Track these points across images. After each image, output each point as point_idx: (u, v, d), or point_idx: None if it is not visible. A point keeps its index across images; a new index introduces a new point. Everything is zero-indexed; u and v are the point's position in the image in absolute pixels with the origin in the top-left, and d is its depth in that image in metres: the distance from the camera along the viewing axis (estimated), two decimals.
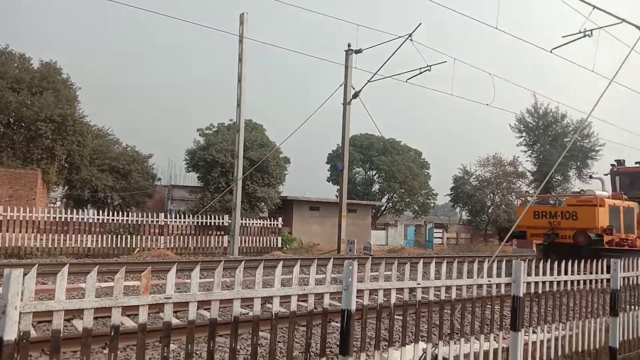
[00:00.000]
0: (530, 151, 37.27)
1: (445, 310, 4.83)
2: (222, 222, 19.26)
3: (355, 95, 22.41)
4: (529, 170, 36.85)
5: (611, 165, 19.06)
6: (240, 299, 3.26)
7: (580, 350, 5.52)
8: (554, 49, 14.01)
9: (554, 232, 14.31)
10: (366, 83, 22.05)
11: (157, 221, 18.15)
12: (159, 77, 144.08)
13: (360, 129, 42.05)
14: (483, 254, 20.38)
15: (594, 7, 11.66)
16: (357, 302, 3.65)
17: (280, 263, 3.53)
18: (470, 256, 18.58)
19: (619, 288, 5.90)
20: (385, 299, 4.06)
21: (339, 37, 24.71)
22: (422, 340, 4.41)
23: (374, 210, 34.88)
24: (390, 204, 38.64)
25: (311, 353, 3.68)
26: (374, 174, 39.25)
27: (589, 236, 13.24)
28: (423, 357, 4.22)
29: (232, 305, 3.25)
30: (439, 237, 30.34)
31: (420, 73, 20.22)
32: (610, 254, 9.23)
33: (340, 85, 22.28)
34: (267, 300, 4.93)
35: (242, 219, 19.36)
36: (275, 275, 3.46)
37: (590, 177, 15.99)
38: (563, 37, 13.70)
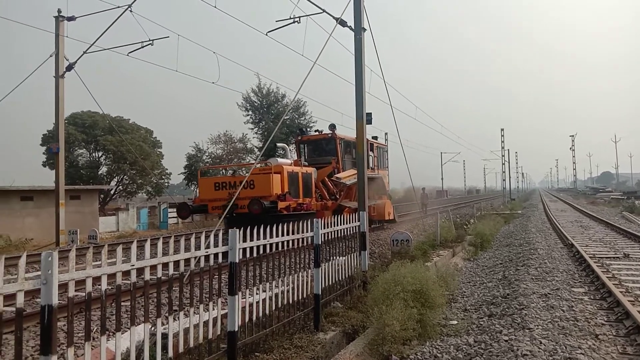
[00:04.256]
0: (257, 128, 39.94)
1: (173, 288, 4.80)
2: None
3: (70, 68, 19.99)
4: (256, 146, 39.53)
5: (296, 134, 21.17)
6: None
7: (292, 301, 6.26)
8: (268, 32, 15.11)
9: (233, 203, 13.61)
10: (82, 54, 19.86)
11: None
12: None
13: (84, 106, 38.06)
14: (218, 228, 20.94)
15: None
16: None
17: None
18: (203, 231, 18.95)
19: (320, 243, 6.89)
20: (97, 287, 3.78)
21: (50, 3, 21.55)
22: (144, 323, 4.28)
23: (102, 195, 32.22)
24: (120, 187, 36.26)
25: None
26: (100, 155, 36.08)
27: (262, 204, 13.06)
28: (143, 340, 4.11)
29: None
30: (174, 217, 30.02)
31: (143, 47, 19.23)
32: (287, 218, 9.42)
33: (51, 56, 19.58)
34: None
35: None
36: None
37: (276, 146, 16.85)
38: (276, 21, 14.90)
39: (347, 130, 20.86)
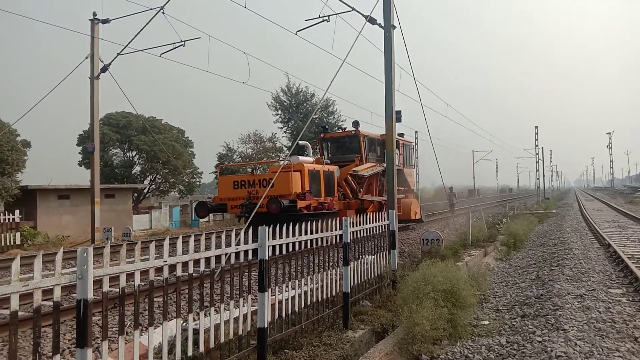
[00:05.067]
0: (286, 127, 40.17)
1: (204, 284, 4.86)
2: None
3: (105, 69, 20.52)
4: (285, 146, 39.76)
5: (319, 132, 20.11)
6: None
7: (321, 299, 6.27)
8: (298, 31, 15.13)
9: (251, 202, 13.16)
10: (116, 56, 20.33)
11: None
12: None
13: (118, 107, 39.08)
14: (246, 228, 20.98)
15: None
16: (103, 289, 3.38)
17: None
18: (233, 229, 19.12)
19: (349, 241, 6.87)
20: (130, 283, 3.87)
21: (85, 5, 22.17)
22: (176, 319, 4.36)
23: (135, 194, 32.98)
24: (153, 185, 37.05)
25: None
26: (134, 155, 36.94)
27: (280, 203, 12.68)
28: (174, 335, 4.19)
29: None
30: None
31: (175, 48, 19.55)
32: (307, 217, 8.82)
33: (86, 58, 20.14)
34: None
35: None
36: None
37: (297, 144, 16.27)
38: (305, 20, 14.91)
39: (376, 129, 20.66)
